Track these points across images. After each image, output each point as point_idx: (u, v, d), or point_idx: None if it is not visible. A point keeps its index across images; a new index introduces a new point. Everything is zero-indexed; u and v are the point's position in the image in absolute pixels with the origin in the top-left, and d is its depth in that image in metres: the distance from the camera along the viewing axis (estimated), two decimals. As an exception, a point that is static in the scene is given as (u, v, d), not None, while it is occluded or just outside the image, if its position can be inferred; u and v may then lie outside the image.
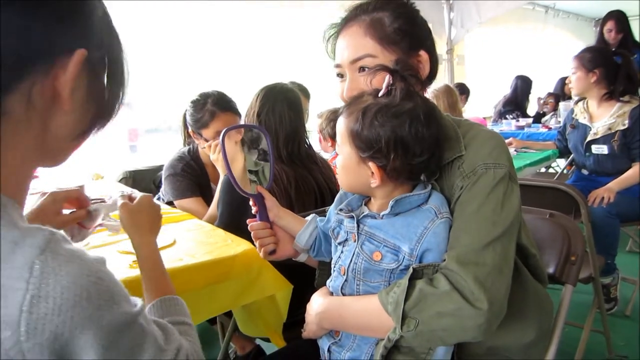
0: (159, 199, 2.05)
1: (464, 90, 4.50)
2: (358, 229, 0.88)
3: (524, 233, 0.92)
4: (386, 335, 0.82)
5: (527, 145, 3.20)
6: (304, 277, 1.14)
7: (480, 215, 0.82)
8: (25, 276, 0.46)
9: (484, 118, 4.93)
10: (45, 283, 0.47)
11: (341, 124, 0.86)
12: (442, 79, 4.84)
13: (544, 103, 4.77)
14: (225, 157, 1.00)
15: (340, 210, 0.94)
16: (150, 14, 3.01)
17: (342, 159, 0.87)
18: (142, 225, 0.92)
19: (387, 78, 0.82)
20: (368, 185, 0.85)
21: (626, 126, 2.37)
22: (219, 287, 1.21)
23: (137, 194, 1.00)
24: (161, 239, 1.01)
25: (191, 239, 1.38)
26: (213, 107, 1.83)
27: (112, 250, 1.31)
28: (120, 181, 2.37)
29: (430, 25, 0.98)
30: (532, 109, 5.03)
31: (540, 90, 5.13)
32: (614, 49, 3.16)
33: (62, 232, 0.55)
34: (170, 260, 1.17)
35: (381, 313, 0.82)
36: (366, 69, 0.90)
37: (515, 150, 3.12)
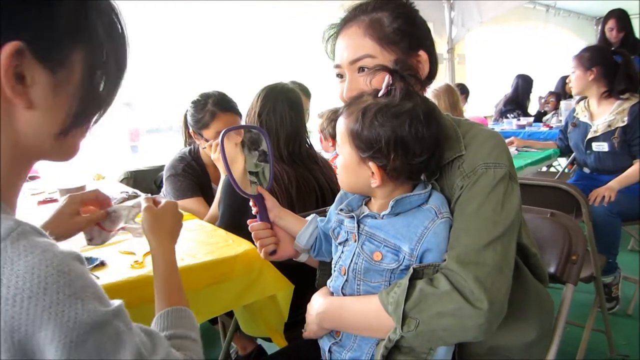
0: (160, 199, 2.06)
1: (463, 90, 4.50)
2: (358, 229, 0.88)
3: (525, 232, 0.92)
4: (387, 336, 0.82)
5: (528, 144, 3.20)
6: (305, 277, 1.14)
7: (481, 215, 0.82)
8: None
9: (485, 117, 4.93)
10: (1, 272, 0.47)
11: (341, 124, 0.86)
12: (443, 79, 4.84)
13: (545, 102, 4.76)
14: (225, 158, 1.00)
15: (341, 210, 0.94)
16: (150, 14, 3.01)
17: (342, 159, 0.88)
18: (164, 231, 0.90)
19: (387, 78, 0.82)
20: (368, 186, 0.85)
21: (626, 123, 2.39)
22: (220, 287, 1.22)
23: (162, 199, 0.98)
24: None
25: (192, 239, 1.38)
26: (214, 107, 1.84)
27: (113, 251, 1.31)
28: (121, 181, 2.37)
29: (431, 24, 0.98)
30: (533, 108, 5.02)
31: (541, 89, 5.12)
32: (613, 48, 3.16)
33: (32, 223, 0.53)
34: (171, 260, 1.17)
35: (381, 313, 0.82)
36: (366, 69, 0.90)
37: (516, 150, 3.12)
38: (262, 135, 1.06)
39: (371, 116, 0.81)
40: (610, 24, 3.58)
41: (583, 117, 2.62)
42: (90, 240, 0.99)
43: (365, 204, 0.93)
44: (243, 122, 1.78)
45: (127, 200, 1.82)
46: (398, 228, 0.84)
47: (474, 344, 0.90)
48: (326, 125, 2.38)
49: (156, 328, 0.72)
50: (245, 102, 1.66)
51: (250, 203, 1.04)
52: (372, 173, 0.83)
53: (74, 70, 0.55)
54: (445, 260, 0.81)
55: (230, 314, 1.52)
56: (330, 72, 1.00)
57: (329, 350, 0.95)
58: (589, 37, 7.65)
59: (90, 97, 0.57)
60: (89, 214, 0.98)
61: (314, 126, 2.51)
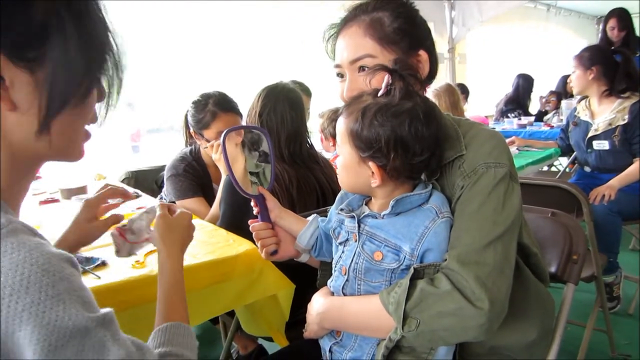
0: (161, 199, 2.06)
1: (463, 90, 4.49)
2: (359, 229, 0.88)
3: (526, 232, 0.92)
4: (387, 336, 0.82)
5: (529, 143, 3.20)
6: (306, 276, 1.14)
7: (481, 214, 0.82)
8: None
9: (486, 117, 4.93)
10: None
11: (341, 124, 0.86)
12: (443, 78, 4.84)
13: (546, 101, 4.75)
14: (227, 158, 1.00)
15: (341, 210, 0.94)
16: (151, 15, 3.02)
17: (343, 159, 0.88)
18: (175, 241, 0.88)
19: (386, 78, 0.82)
20: (368, 185, 0.85)
21: (626, 121, 2.40)
22: (221, 287, 1.22)
23: (177, 208, 0.97)
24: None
25: (193, 238, 1.38)
26: (214, 107, 1.84)
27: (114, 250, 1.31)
28: (122, 181, 2.38)
29: (431, 24, 0.98)
30: (534, 107, 5.01)
31: (542, 89, 5.11)
32: (613, 48, 3.16)
33: (24, 222, 0.53)
34: (172, 260, 1.17)
35: (382, 313, 0.82)
36: (366, 69, 0.90)
37: (517, 149, 3.12)
38: (263, 136, 1.06)
39: (371, 116, 0.81)
40: (612, 23, 3.58)
41: (584, 115, 2.63)
42: (117, 252, 0.97)
43: (366, 204, 0.93)
44: (244, 122, 1.79)
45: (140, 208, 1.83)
46: (399, 228, 0.84)
47: (474, 343, 0.90)
48: (327, 125, 2.38)
49: (153, 343, 0.71)
50: (246, 102, 1.66)
51: (252, 203, 1.04)
52: (372, 173, 0.83)
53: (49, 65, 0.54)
54: (446, 260, 0.81)
55: (231, 314, 1.52)
56: (330, 71, 1.00)
57: (330, 350, 0.95)
58: (590, 37, 7.64)
59: (57, 86, 0.55)
60: (105, 219, 0.97)
61: (314, 126, 2.51)
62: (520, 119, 4.22)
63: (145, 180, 2.40)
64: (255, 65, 3.65)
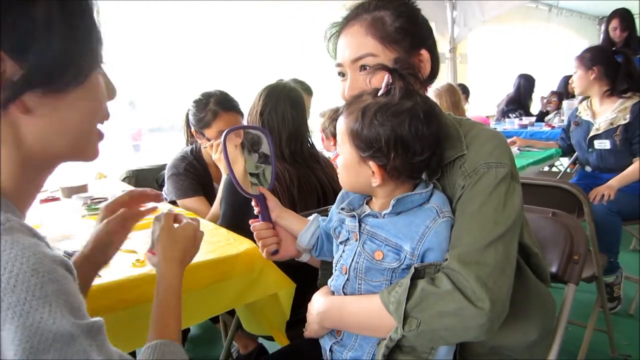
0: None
1: (464, 90, 4.49)
2: (359, 228, 0.88)
3: (527, 232, 0.92)
4: (388, 335, 0.82)
5: (530, 144, 3.20)
6: (306, 276, 1.14)
7: (482, 214, 0.82)
8: None
9: (487, 117, 4.93)
10: None
11: (341, 124, 0.86)
12: (444, 78, 4.84)
13: (547, 102, 4.76)
14: (227, 158, 1.00)
15: (342, 209, 0.94)
16: (153, 14, 3.02)
17: (343, 158, 0.87)
18: (174, 257, 0.84)
19: (386, 77, 0.82)
20: (369, 185, 0.85)
21: (627, 120, 2.41)
22: (221, 286, 1.22)
23: (184, 218, 0.91)
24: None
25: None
26: (215, 106, 1.84)
27: (115, 250, 1.31)
28: (123, 180, 2.38)
29: (433, 23, 0.98)
30: (535, 107, 5.01)
31: (543, 89, 5.11)
32: (614, 48, 3.16)
33: (23, 222, 0.53)
34: (173, 259, 1.17)
35: (383, 313, 0.82)
36: (367, 68, 0.90)
37: (518, 149, 3.12)
38: (264, 136, 1.06)
39: (371, 115, 0.81)
40: (614, 23, 3.58)
41: (585, 115, 2.64)
42: (154, 267, 0.92)
43: (367, 203, 0.93)
44: (245, 121, 1.79)
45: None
46: (399, 227, 0.84)
47: (475, 343, 0.90)
48: (328, 125, 2.38)
49: (142, 358, 0.70)
50: (247, 101, 1.66)
51: (252, 203, 1.04)
52: (373, 172, 0.83)
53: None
54: (446, 259, 0.81)
55: (231, 313, 1.52)
56: (331, 71, 1.00)
57: (330, 350, 0.95)
58: (592, 37, 7.63)
59: (41, 63, 0.54)
60: (116, 215, 0.92)
61: (315, 125, 2.51)
62: (521, 119, 4.22)
63: (146, 180, 2.41)
64: (255, 65, 3.65)
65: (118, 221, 0.91)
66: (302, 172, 1.53)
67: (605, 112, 2.53)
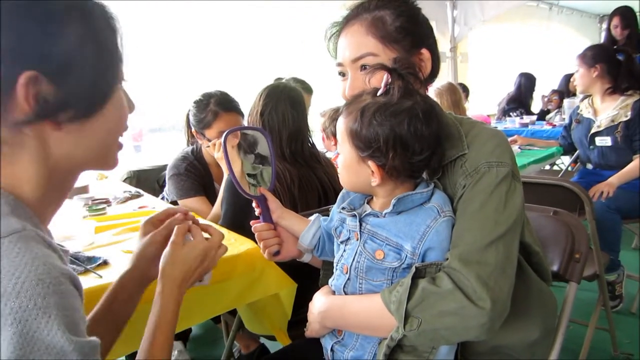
0: (163, 198, 2.06)
1: (463, 89, 4.48)
2: (360, 228, 0.88)
3: (528, 231, 0.91)
4: (389, 335, 0.82)
5: (531, 142, 3.21)
6: (308, 275, 1.14)
7: (483, 213, 0.81)
8: None
9: (488, 116, 4.92)
10: None
11: (340, 124, 0.86)
12: (445, 77, 4.83)
13: (548, 100, 4.75)
14: (228, 159, 1.00)
15: (343, 209, 0.94)
16: (152, 15, 3.02)
17: (343, 158, 0.87)
18: (175, 278, 0.81)
19: (385, 77, 0.82)
20: (369, 184, 0.85)
21: (628, 117, 2.42)
22: (222, 286, 1.22)
23: (195, 234, 0.87)
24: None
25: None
26: (216, 107, 1.84)
27: (116, 250, 1.31)
28: (124, 181, 2.38)
29: (433, 23, 0.98)
30: (536, 106, 5.00)
31: (544, 88, 5.10)
32: (615, 47, 3.16)
33: (41, 232, 0.55)
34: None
35: (384, 312, 0.82)
36: (368, 67, 0.90)
37: (519, 148, 3.12)
38: (264, 137, 1.06)
39: (370, 115, 0.81)
40: (615, 21, 3.58)
41: (587, 113, 2.65)
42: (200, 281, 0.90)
43: (368, 203, 0.93)
44: (245, 122, 1.79)
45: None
46: (400, 226, 0.84)
47: (476, 343, 0.89)
48: (328, 125, 2.39)
49: None
50: (248, 101, 1.67)
51: (253, 204, 1.04)
52: (372, 172, 0.83)
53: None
54: (447, 259, 0.81)
55: (233, 313, 1.52)
56: (330, 71, 1.00)
57: (331, 349, 0.95)
58: (592, 35, 7.61)
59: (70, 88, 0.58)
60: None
61: (315, 124, 2.51)
62: (522, 118, 4.22)
63: (147, 180, 2.41)
64: (256, 65, 3.65)
65: (164, 233, 0.87)
66: (303, 171, 1.53)
67: (606, 110, 2.53)
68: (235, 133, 1.15)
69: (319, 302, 0.95)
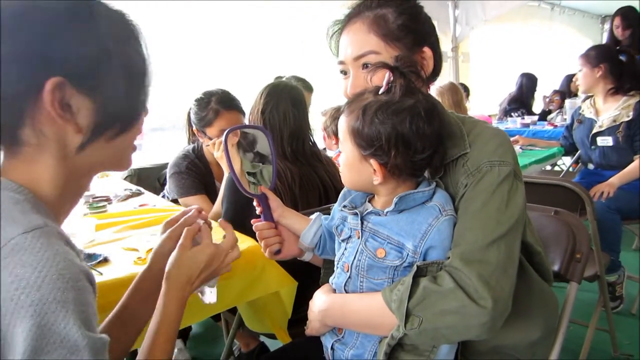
0: (163, 196, 2.06)
1: (464, 89, 4.48)
2: (362, 226, 0.88)
3: (529, 231, 0.91)
4: (390, 333, 0.82)
5: (533, 142, 3.21)
6: (308, 274, 1.14)
7: (485, 213, 0.81)
8: None
9: (489, 116, 4.92)
10: (11, 258, 0.49)
11: (342, 122, 0.86)
12: (446, 77, 4.83)
13: (550, 101, 4.75)
14: (229, 157, 1.00)
15: (344, 207, 0.93)
16: (153, 14, 3.02)
17: (344, 156, 0.87)
18: (179, 281, 0.80)
19: (387, 75, 0.82)
20: (371, 183, 0.85)
21: (630, 118, 2.42)
22: (223, 284, 1.21)
23: (205, 239, 0.86)
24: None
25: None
26: (217, 105, 1.84)
27: (117, 247, 1.31)
28: (125, 179, 2.38)
29: (435, 22, 0.97)
30: (537, 106, 5.01)
31: (545, 88, 5.10)
32: (618, 47, 3.16)
33: (60, 228, 0.57)
34: (175, 257, 1.17)
35: (384, 311, 0.82)
36: (369, 66, 0.89)
37: (520, 148, 3.12)
38: (265, 135, 1.06)
39: (371, 114, 0.80)
40: (617, 21, 3.58)
41: (589, 113, 2.65)
42: (203, 296, 0.90)
43: (369, 201, 0.93)
44: (246, 120, 1.79)
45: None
46: (402, 225, 0.84)
47: (477, 342, 0.89)
48: (330, 123, 2.39)
49: None
50: (249, 100, 1.66)
51: (254, 203, 1.04)
52: (374, 170, 0.83)
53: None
54: (449, 258, 0.81)
55: (233, 311, 1.52)
56: (331, 71, 0.99)
57: (332, 348, 0.95)
58: (594, 36, 7.61)
59: (105, 110, 0.62)
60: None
61: (316, 123, 2.51)
62: (523, 118, 4.22)
63: (148, 178, 2.41)
64: (256, 64, 3.65)
65: (179, 230, 0.88)
66: (304, 170, 1.53)
67: (608, 110, 2.54)
68: (235, 132, 1.15)
69: (320, 301, 0.95)
